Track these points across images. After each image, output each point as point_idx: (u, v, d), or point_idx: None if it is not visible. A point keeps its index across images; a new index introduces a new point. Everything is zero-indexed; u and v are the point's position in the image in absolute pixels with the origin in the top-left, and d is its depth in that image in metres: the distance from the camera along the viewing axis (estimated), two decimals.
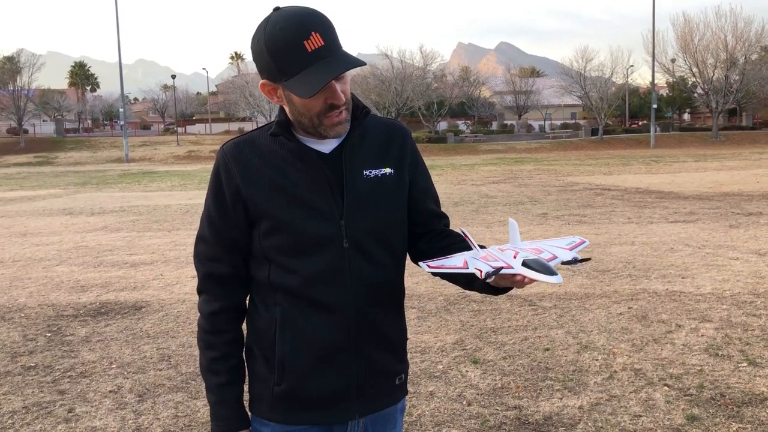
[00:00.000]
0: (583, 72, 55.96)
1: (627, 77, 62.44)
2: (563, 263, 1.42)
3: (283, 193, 1.48)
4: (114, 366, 4.57)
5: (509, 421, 3.53)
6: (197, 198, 16.72)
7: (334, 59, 1.38)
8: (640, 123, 64.14)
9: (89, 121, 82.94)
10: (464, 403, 3.78)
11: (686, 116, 73.20)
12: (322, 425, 1.55)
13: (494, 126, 65.12)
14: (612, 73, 57.02)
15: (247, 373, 1.60)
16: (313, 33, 1.36)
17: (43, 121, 68.18)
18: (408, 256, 1.65)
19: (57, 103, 68.85)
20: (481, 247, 1.49)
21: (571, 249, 1.48)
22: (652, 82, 51.59)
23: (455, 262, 1.45)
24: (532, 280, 1.34)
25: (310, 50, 1.36)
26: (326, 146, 1.51)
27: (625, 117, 67.23)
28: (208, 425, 3.49)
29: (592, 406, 3.67)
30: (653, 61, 50.05)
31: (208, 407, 1.60)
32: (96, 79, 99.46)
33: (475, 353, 4.59)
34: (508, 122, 66.51)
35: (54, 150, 51.57)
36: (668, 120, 65.24)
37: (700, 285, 6.31)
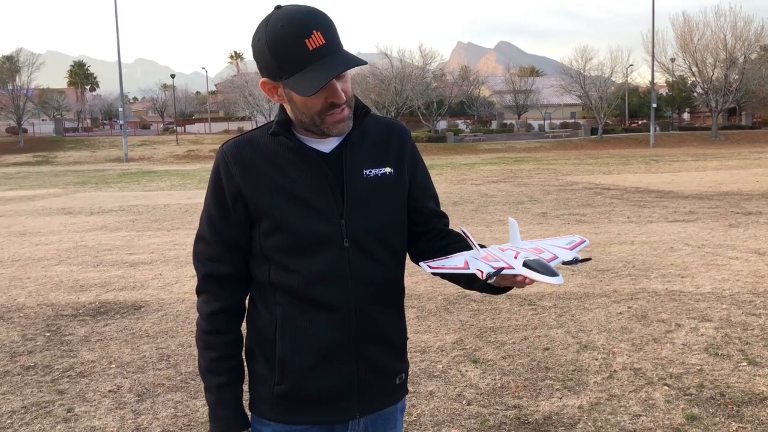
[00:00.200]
0: (582, 71, 55.97)
1: (626, 76, 62.50)
2: (564, 263, 1.42)
3: (284, 192, 1.48)
4: (113, 366, 4.57)
5: (509, 420, 3.53)
6: (196, 197, 16.71)
7: (335, 58, 1.38)
8: (640, 122, 64.19)
9: (88, 121, 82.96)
10: (464, 402, 3.77)
11: (686, 115, 73.26)
12: (322, 425, 1.55)
13: (494, 125, 65.13)
14: (611, 73, 57.12)
15: (246, 373, 1.60)
16: (314, 31, 1.36)
17: (43, 120, 68.10)
18: (408, 256, 1.65)
19: (56, 102, 68.85)
20: (481, 246, 1.48)
21: (572, 248, 1.47)
22: (652, 82, 51.64)
23: (456, 263, 1.44)
24: (533, 281, 1.34)
25: (311, 48, 1.36)
26: (326, 146, 1.51)
27: (625, 116, 67.28)
28: (207, 425, 3.48)
29: (591, 405, 3.67)
30: (653, 60, 50.10)
31: (207, 407, 1.60)
32: (95, 78, 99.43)
33: (475, 353, 4.59)
34: (508, 121, 66.51)
35: (53, 149, 51.56)
36: (668, 119, 65.27)
37: (699, 284, 6.30)
